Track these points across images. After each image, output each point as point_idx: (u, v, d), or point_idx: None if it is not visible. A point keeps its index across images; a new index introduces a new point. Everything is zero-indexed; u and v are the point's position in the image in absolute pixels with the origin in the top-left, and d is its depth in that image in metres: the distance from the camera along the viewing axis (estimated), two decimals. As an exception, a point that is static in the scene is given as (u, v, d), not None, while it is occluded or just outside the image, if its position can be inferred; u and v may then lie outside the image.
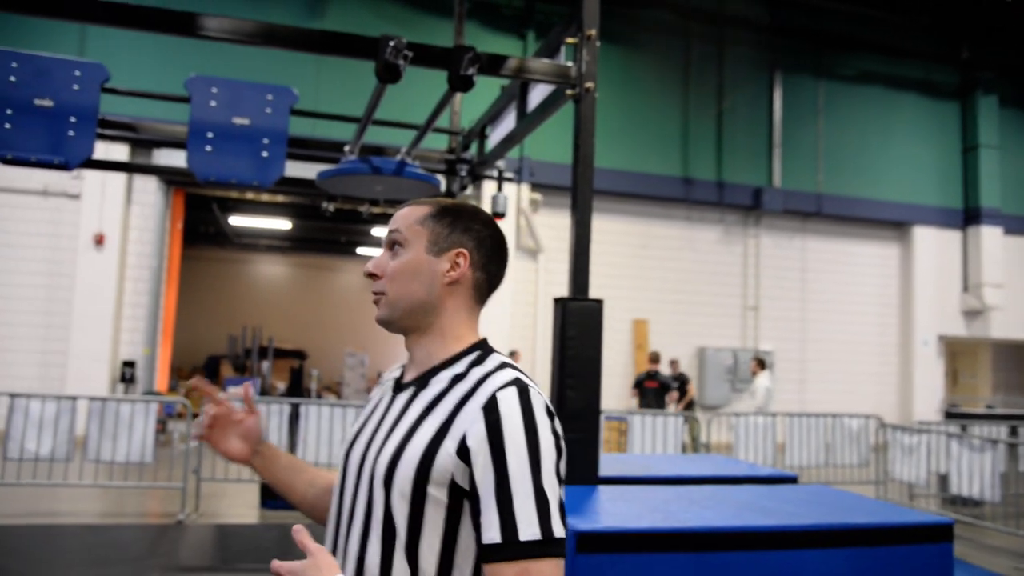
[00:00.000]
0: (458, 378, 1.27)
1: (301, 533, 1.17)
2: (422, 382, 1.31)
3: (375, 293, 1.36)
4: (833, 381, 15.14)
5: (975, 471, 7.71)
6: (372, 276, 1.36)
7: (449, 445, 1.17)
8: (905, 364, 15.67)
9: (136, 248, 12.15)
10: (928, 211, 15.78)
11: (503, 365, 1.26)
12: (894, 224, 15.81)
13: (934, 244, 15.79)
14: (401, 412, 1.29)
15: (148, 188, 12.18)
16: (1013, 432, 10.05)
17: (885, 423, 9.28)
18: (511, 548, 1.10)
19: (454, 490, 1.17)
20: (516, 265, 13.32)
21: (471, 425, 1.16)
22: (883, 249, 15.85)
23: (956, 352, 18.29)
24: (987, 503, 7.90)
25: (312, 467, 1.62)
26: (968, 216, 16.00)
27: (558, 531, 1.12)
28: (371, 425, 1.34)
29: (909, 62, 15.77)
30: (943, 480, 8.32)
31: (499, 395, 1.17)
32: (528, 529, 1.11)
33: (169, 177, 11.88)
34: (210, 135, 4.04)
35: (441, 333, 1.33)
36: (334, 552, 1.31)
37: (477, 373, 1.25)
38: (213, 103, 4.06)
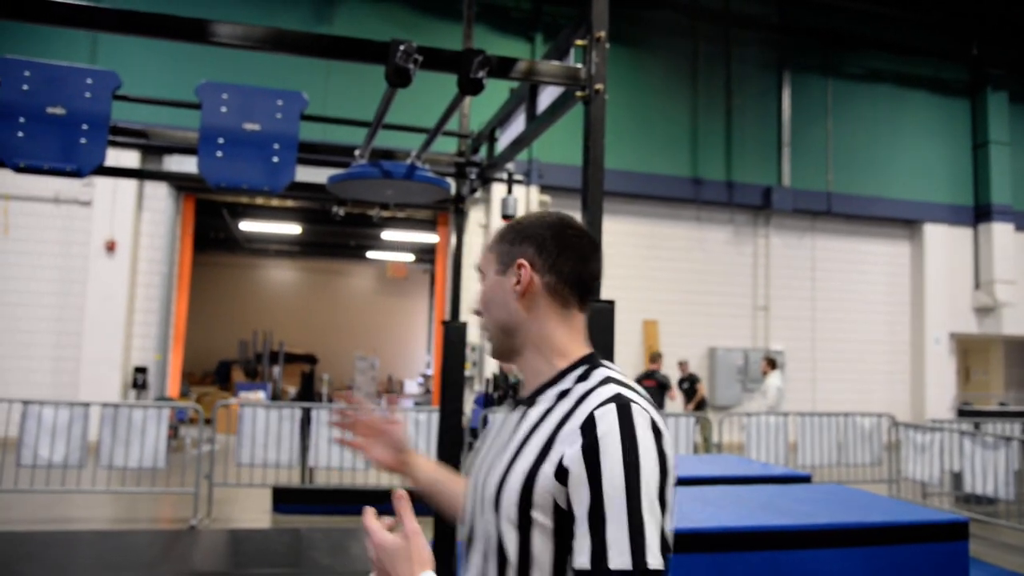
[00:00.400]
0: (563, 395, 1.21)
1: (403, 502, 1.19)
2: (530, 401, 1.27)
3: (482, 329, 1.36)
4: (845, 380, 15.08)
5: (989, 469, 7.67)
6: (478, 313, 1.36)
7: (548, 468, 1.12)
8: (917, 362, 15.60)
9: (147, 254, 12.22)
10: (939, 208, 15.71)
11: (607, 380, 1.19)
12: (905, 222, 15.74)
13: (945, 241, 15.72)
14: (511, 433, 1.26)
15: (159, 194, 12.25)
16: (1027, 430, 9.98)
17: (897, 421, 9.24)
18: (602, 574, 1.04)
19: (559, 514, 1.12)
20: (525, 267, 13.32)
21: (569, 446, 1.11)
22: (894, 247, 15.79)
23: (968, 349, 18.18)
24: (1001, 501, 7.85)
25: (455, 479, 1.63)
26: (979, 213, 15.92)
27: (653, 562, 1.04)
28: (486, 445, 1.34)
29: (918, 59, 15.70)
30: (956, 478, 8.28)
31: (597, 413, 1.12)
32: (619, 558, 1.04)
33: (179, 183, 11.95)
34: (221, 141, 4.06)
35: (537, 349, 1.29)
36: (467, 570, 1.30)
37: (581, 389, 1.19)
38: (224, 109, 4.07)
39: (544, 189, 13.38)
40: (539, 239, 1.30)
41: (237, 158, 4.09)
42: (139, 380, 11.84)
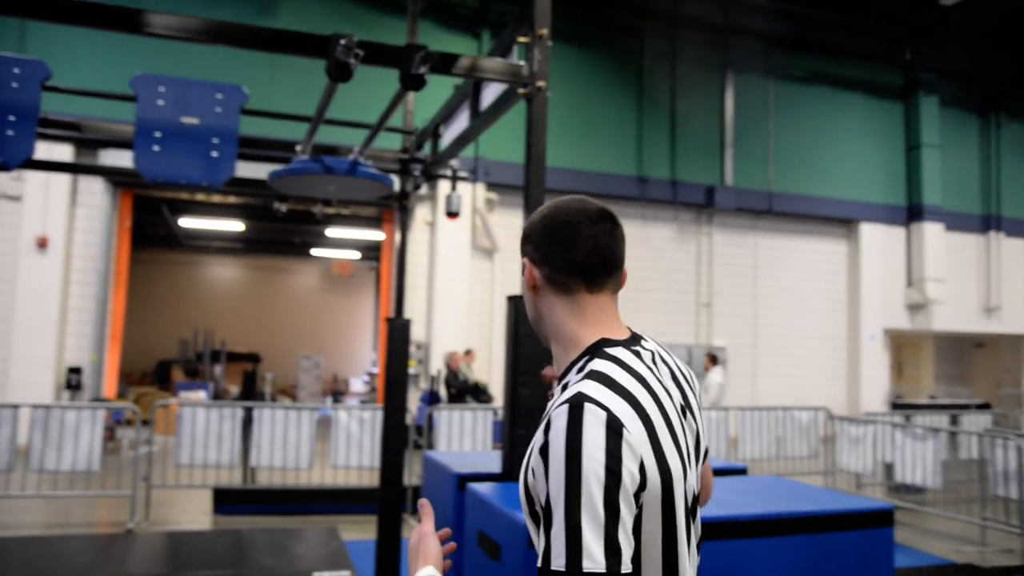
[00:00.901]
0: (564, 388, 1.22)
1: (425, 508, 1.31)
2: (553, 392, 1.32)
3: None
4: (784, 375, 15.44)
5: (918, 459, 7.94)
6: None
7: (528, 464, 1.17)
8: (853, 357, 16.06)
9: (82, 251, 11.86)
10: (874, 208, 16.19)
11: (589, 373, 1.18)
12: (842, 221, 16.18)
13: (880, 240, 16.21)
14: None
15: (94, 189, 11.89)
16: (954, 421, 10.37)
17: (833, 415, 9.51)
18: (546, 575, 1.05)
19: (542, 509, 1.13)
20: (472, 265, 13.31)
21: (535, 445, 1.14)
22: (832, 246, 16.22)
23: (901, 345, 18.79)
24: (929, 490, 8.14)
25: None
26: (911, 213, 16.46)
27: (588, 565, 1.02)
28: None
29: (855, 63, 16.15)
30: (888, 469, 8.55)
31: (553, 413, 1.12)
32: (558, 560, 1.04)
33: (116, 178, 11.63)
34: (158, 135, 3.97)
35: (556, 340, 1.31)
36: None
37: (571, 381, 1.21)
38: (160, 102, 3.98)
39: (491, 187, 13.39)
40: (533, 234, 1.31)
41: (175, 153, 4.00)
42: (73, 381, 11.48)
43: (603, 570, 1.02)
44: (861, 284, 15.98)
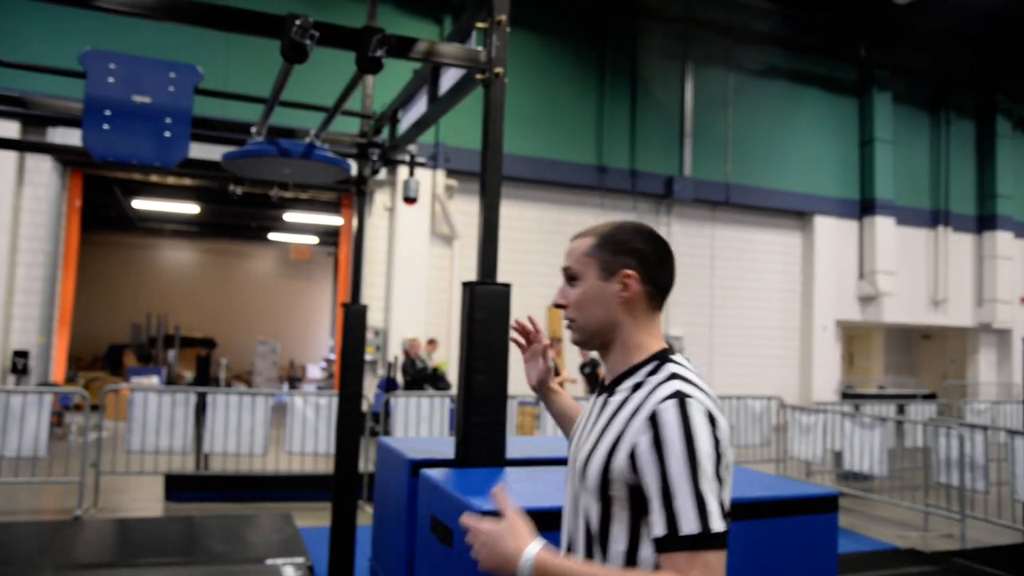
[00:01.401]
0: (637, 387, 1.42)
1: (502, 494, 1.40)
2: (610, 390, 1.49)
3: (567, 319, 1.56)
4: (739, 364, 15.69)
5: (866, 447, 8.14)
6: (560, 307, 1.57)
7: (622, 455, 1.34)
8: (806, 348, 16.37)
9: (29, 231, 11.54)
10: (828, 202, 16.49)
11: (672, 376, 1.39)
12: (797, 214, 16.46)
13: (833, 233, 16.52)
14: (596, 416, 1.48)
15: (42, 168, 11.57)
16: (901, 410, 10.65)
17: (786, 404, 9.69)
18: (675, 541, 1.25)
19: (632, 491, 1.34)
20: (431, 252, 13.26)
21: (639, 436, 1.32)
22: (787, 237, 16.49)
23: (852, 336, 19.23)
24: (876, 477, 8.36)
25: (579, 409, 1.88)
26: (864, 207, 16.80)
27: (716, 526, 1.25)
28: (580, 424, 1.56)
29: (812, 58, 16.40)
30: (838, 457, 8.75)
31: (659, 408, 1.32)
32: (688, 526, 1.24)
33: (65, 157, 11.34)
34: (107, 113, 3.87)
35: (623, 345, 1.50)
36: (569, 537, 1.54)
37: (651, 383, 1.40)
38: (111, 79, 3.88)
39: (450, 173, 13.34)
40: (642, 253, 1.51)
41: (125, 131, 3.91)
42: (19, 365, 11.20)
43: (724, 529, 1.26)
44: (815, 276, 16.28)
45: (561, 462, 3.16)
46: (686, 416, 1.30)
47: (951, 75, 17.74)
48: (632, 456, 1.32)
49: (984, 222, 18.26)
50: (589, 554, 1.43)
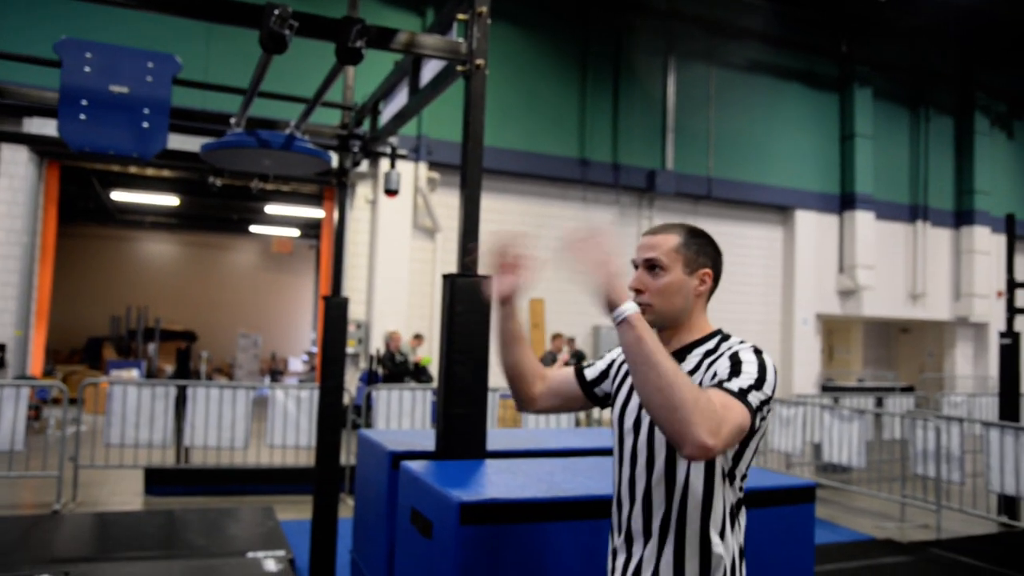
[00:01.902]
0: (709, 353, 1.76)
1: (593, 234, 1.67)
2: (680, 356, 1.79)
3: (640, 304, 1.74)
4: (720, 358, 15.74)
5: (844, 440, 8.23)
6: (637, 291, 1.81)
7: (705, 376, 1.69)
8: (786, 341, 16.49)
9: (5, 223, 11.39)
10: (809, 196, 16.59)
11: (742, 341, 1.77)
12: (778, 208, 16.55)
13: (814, 227, 16.63)
14: None
15: (18, 159, 11.42)
16: (879, 403, 10.76)
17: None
18: (722, 384, 1.59)
19: None
20: (414, 245, 13.23)
21: (720, 363, 1.68)
22: (768, 232, 16.59)
23: (832, 329, 19.40)
24: (854, 469, 8.45)
25: (529, 350, 2.12)
26: (844, 201, 16.92)
27: (753, 400, 1.58)
28: (625, 388, 1.87)
29: (794, 53, 16.47)
30: (817, 449, 8.84)
31: (739, 348, 1.71)
32: (736, 385, 1.59)
33: (41, 148, 11.20)
34: (84, 103, 3.82)
35: (689, 326, 1.82)
36: (621, 482, 1.85)
37: (724, 347, 1.75)
38: (87, 68, 3.83)
39: (433, 166, 13.30)
40: (714, 257, 1.86)
41: (102, 122, 3.86)
42: (-4, 358, 11.07)
43: (755, 406, 1.59)
44: (795, 270, 16.39)
45: (544, 454, 3.17)
46: (761, 354, 1.69)
47: (931, 71, 17.89)
48: (713, 376, 1.66)
49: (962, 217, 18.45)
50: (671, 477, 1.73)
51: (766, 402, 1.63)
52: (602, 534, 2.33)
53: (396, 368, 11.34)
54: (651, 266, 1.81)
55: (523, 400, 2.12)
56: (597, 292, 1.60)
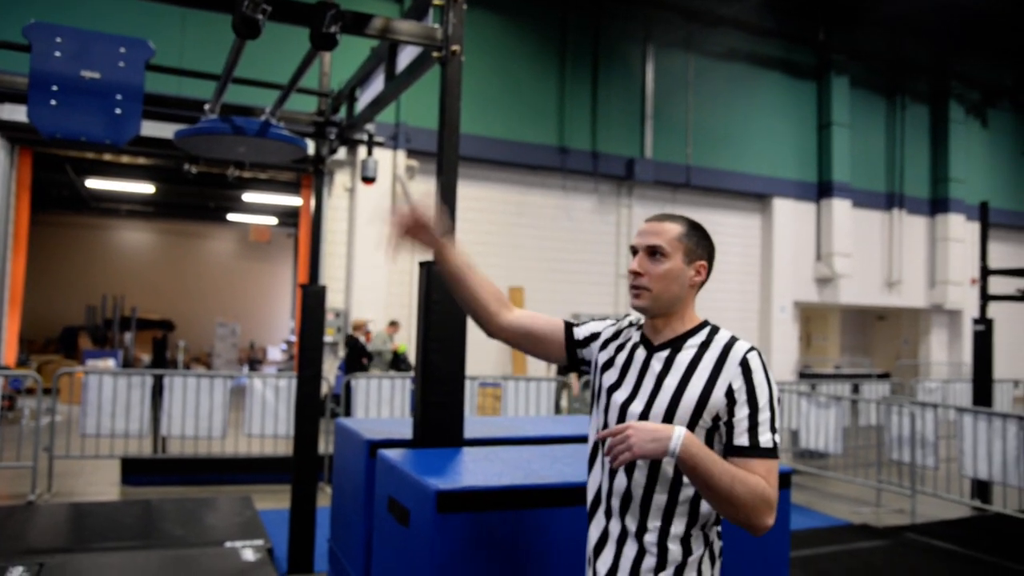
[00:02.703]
0: (704, 345, 1.83)
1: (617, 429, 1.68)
2: (675, 347, 1.86)
3: (638, 287, 1.87)
4: (699, 345, 15.82)
5: (821, 426, 8.31)
6: (637, 275, 1.87)
7: (719, 391, 1.75)
8: (764, 329, 16.61)
9: (-23, 211, 11.21)
10: (787, 184, 16.69)
11: (734, 337, 1.84)
12: (756, 196, 16.63)
13: (791, 215, 16.74)
14: (665, 367, 1.84)
15: (-11, 146, 11.23)
16: (855, 390, 10.87)
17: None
18: (757, 450, 1.70)
19: (715, 420, 1.75)
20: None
21: (735, 379, 1.75)
22: (746, 220, 16.67)
23: (809, 317, 19.58)
24: (831, 455, 8.54)
25: (479, 271, 2.11)
26: (822, 189, 17.04)
27: (779, 442, 1.73)
28: (632, 376, 1.89)
29: (772, 41, 16.52)
30: (794, 435, 8.92)
31: (748, 356, 1.78)
32: (764, 440, 1.71)
33: (13, 134, 11.01)
34: (55, 88, 3.76)
35: (681, 316, 1.89)
36: (604, 465, 1.89)
37: (719, 341, 1.83)
38: (57, 53, 3.76)
39: (412, 154, 13.23)
40: (710, 250, 1.94)
41: (74, 108, 3.80)
42: (-32, 348, 10.91)
43: (780, 444, 1.75)
44: (773, 258, 16.50)
45: (521, 442, 3.17)
46: (764, 364, 1.78)
47: (907, 60, 18.02)
48: (729, 392, 1.74)
49: (937, 205, 18.65)
50: (655, 474, 1.79)
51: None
52: (580, 521, 2.34)
53: (354, 352, 11.16)
54: (653, 252, 1.87)
55: (488, 327, 2.11)
56: (650, 453, 1.64)
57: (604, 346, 2.00)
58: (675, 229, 1.89)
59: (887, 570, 5.62)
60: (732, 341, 1.82)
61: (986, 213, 8.75)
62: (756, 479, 1.65)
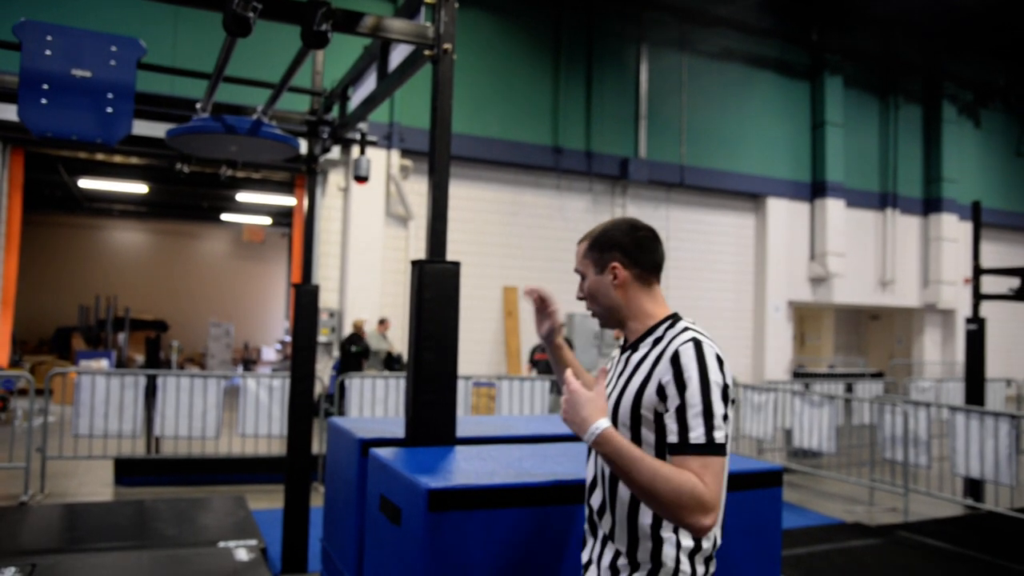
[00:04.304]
0: (657, 341, 1.81)
1: (602, 374, 1.76)
2: (634, 347, 1.86)
3: (588, 309, 1.95)
4: (693, 345, 15.83)
5: (815, 425, 8.33)
6: (583, 299, 1.95)
7: (651, 388, 1.72)
8: (758, 328, 16.63)
9: (-32, 211, 11.16)
10: (781, 184, 16.72)
11: (685, 328, 1.80)
12: (750, 196, 16.66)
13: (785, 215, 16.77)
14: (623, 368, 1.86)
15: (-19, 146, 11.19)
16: (849, 389, 10.90)
17: (738, 383, 9.85)
18: (686, 446, 1.63)
19: (656, 415, 1.71)
20: (386, 232, 13.16)
21: (664, 373, 1.70)
22: (740, 219, 16.69)
23: (803, 316, 19.62)
24: (824, 454, 8.56)
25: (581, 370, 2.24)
26: (815, 189, 17.07)
27: (718, 438, 1.63)
28: (613, 379, 1.90)
29: (766, 41, 16.54)
30: (788, 434, 8.94)
31: (680, 349, 1.71)
32: (696, 436, 1.63)
33: (4, 134, 10.98)
34: (45, 87, 3.74)
35: (635, 316, 1.88)
36: (596, 464, 1.89)
37: (670, 335, 1.79)
38: (48, 52, 3.75)
39: (405, 153, 13.22)
40: (622, 245, 1.88)
41: (65, 106, 3.79)
42: (-39, 348, 10.86)
43: (723, 441, 1.65)
44: (767, 258, 16.52)
45: (510, 440, 3.18)
46: (701, 354, 1.69)
47: (900, 60, 18.07)
48: (659, 388, 1.70)
49: (930, 205, 18.71)
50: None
51: (725, 415, 1.68)
52: (571, 519, 2.33)
53: (351, 352, 11.14)
54: (580, 276, 1.96)
55: None
56: (574, 430, 1.70)
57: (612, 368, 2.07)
58: (582, 247, 1.95)
59: (880, 568, 5.64)
60: (677, 334, 1.78)
61: (979, 213, 8.78)
62: (685, 477, 1.59)
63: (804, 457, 9.07)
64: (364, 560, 2.75)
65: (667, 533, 1.75)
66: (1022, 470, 6.83)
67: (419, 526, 2.17)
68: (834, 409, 8.24)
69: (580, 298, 1.96)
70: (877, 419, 8.06)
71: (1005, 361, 17.75)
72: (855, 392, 10.81)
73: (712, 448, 1.62)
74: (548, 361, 10.91)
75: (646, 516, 1.75)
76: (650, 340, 1.82)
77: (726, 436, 1.66)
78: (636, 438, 1.74)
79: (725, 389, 1.68)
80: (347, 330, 12.36)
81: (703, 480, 1.59)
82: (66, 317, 20.94)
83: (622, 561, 1.78)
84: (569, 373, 1.77)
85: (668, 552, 1.74)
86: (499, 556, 2.22)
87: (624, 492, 1.77)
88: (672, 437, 1.65)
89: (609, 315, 1.91)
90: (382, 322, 11.96)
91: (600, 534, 1.86)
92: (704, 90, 15.91)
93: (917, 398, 10.42)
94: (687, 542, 1.75)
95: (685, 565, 1.74)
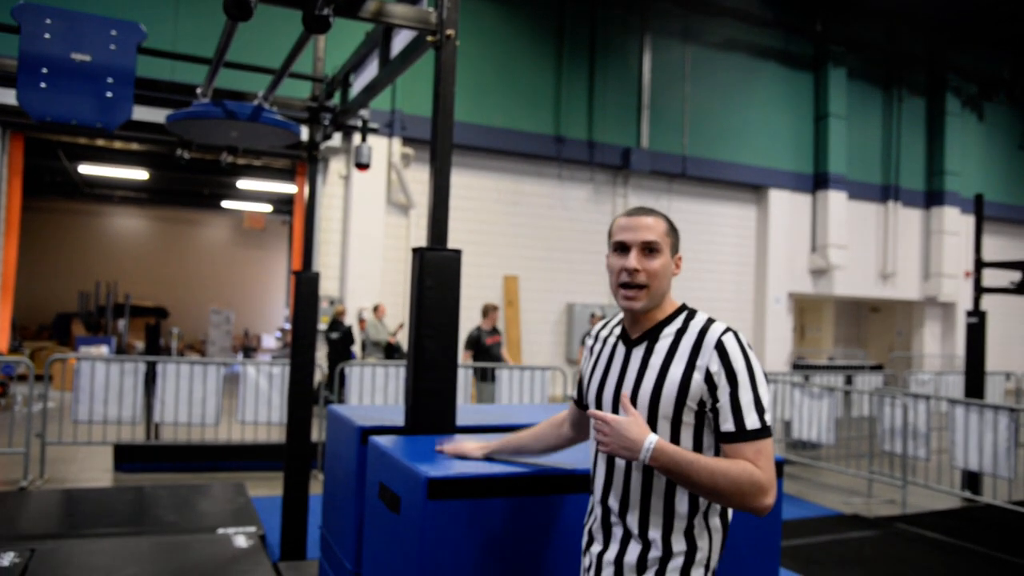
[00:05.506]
0: (681, 331, 1.82)
1: (626, 399, 1.78)
2: (652, 336, 1.86)
3: (636, 286, 1.84)
4: (693, 336, 15.82)
5: (814, 417, 8.33)
6: (635, 272, 1.84)
7: (698, 376, 1.75)
8: (759, 320, 16.63)
9: (-32, 196, 11.14)
10: (783, 175, 16.68)
11: (710, 319, 1.83)
12: (752, 187, 16.62)
13: (787, 207, 16.73)
14: (644, 358, 1.84)
15: (-19, 130, 11.15)
16: (849, 381, 10.90)
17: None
18: (744, 433, 1.71)
19: (700, 405, 1.75)
20: (387, 220, 13.13)
21: (712, 362, 1.74)
22: (742, 210, 16.66)
23: (804, 308, 19.61)
24: (823, 446, 8.57)
25: (523, 436, 2.35)
26: (817, 181, 17.03)
27: (768, 421, 1.74)
28: (615, 372, 1.90)
29: (770, 32, 16.47)
30: (787, 426, 8.94)
31: (723, 339, 1.76)
32: (751, 422, 1.71)
33: (3, 119, 10.93)
34: (44, 71, 3.71)
35: (661, 306, 1.89)
36: (610, 464, 1.87)
37: (695, 325, 1.82)
38: (47, 35, 3.72)
39: (407, 141, 13.18)
40: (679, 237, 1.94)
41: (64, 91, 3.76)
42: (-39, 333, 10.86)
43: (771, 424, 1.75)
44: (768, 249, 16.50)
45: (510, 429, 3.17)
46: (743, 344, 1.76)
47: (904, 52, 17.99)
48: (707, 376, 1.74)
49: (932, 198, 18.66)
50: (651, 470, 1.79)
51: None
52: (570, 508, 2.33)
53: (330, 339, 11.08)
54: (650, 248, 1.85)
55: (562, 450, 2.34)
56: (625, 455, 1.72)
57: (590, 355, 2.05)
58: (663, 224, 1.89)
59: (878, 560, 5.64)
60: (708, 324, 1.81)
61: (981, 206, 8.75)
62: (741, 467, 1.67)
63: (803, 449, 9.08)
64: (363, 548, 2.75)
65: (703, 519, 1.80)
66: (1021, 463, 6.84)
67: (418, 514, 2.16)
68: (834, 401, 8.24)
69: (636, 269, 1.84)
70: (876, 411, 8.06)
71: (1005, 355, 17.76)
72: (855, 384, 10.81)
73: (765, 432, 1.72)
74: (494, 348, 9.88)
75: (682, 504, 1.78)
76: (671, 331, 1.84)
77: (771, 418, 1.77)
78: (677, 427, 1.77)
79: (763, 373, 1.77)
80: (348, 318, 12.36)
81: (758, 464, 1.68)
82: (66, 303, 20.94)
83: (653, 554, 1.79)
84: (595, 412, 1.77)
85: (702, 535, 1.80)
86: (498, 545, 2.22)
87: (660, 481, 1.78)
88: (727, 425, 1.72)
89: (659, 299, 1.87)
90: (376, 308, 11.91)
91: (618, 534, 1.85)
92: (707, 80, 15.85)
93: (917, 391, 10.42)
94: (716, 522, 1.83)
95: (717, 545, 1.82)
